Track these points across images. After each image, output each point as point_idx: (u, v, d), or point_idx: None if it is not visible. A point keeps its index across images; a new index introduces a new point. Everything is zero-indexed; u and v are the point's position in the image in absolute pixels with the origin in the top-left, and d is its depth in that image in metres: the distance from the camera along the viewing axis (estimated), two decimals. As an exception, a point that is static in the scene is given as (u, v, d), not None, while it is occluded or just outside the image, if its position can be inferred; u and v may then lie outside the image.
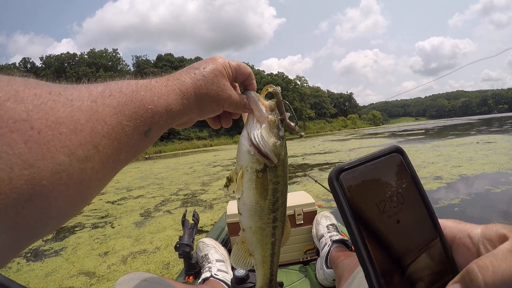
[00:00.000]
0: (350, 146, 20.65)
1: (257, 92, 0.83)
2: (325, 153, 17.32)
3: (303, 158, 15.21)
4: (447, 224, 0.47)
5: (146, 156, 37.84)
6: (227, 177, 0.80)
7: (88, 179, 0.46)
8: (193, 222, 2.04)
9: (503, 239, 0.39)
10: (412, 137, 24.69)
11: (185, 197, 8.50)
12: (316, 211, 2.32)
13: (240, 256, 0.84)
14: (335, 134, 59.95)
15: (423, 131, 34.63)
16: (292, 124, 0.82)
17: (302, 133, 0.87)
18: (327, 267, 1.87)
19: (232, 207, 2.24)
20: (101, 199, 9.50)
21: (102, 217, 7.08)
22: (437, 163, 9.49)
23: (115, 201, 9.02)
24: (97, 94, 0.50)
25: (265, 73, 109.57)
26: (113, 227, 6.16)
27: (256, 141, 0.74)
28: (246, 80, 0.83)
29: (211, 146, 60.45)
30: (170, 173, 15.72)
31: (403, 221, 0.44)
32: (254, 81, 0.85)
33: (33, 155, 0.38)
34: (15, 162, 0.36)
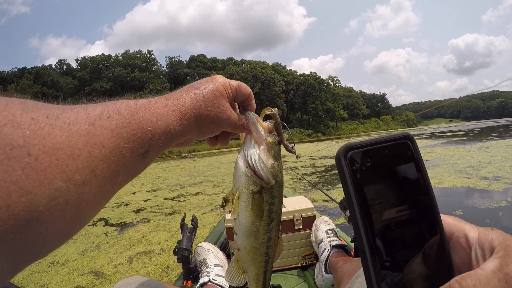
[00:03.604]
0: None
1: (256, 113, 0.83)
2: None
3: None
4: (447, 221, 0.46)
5: (182, 155, 39.05)
6: (224, 198, 0.81)
7: (85, 203, 0.46)
8: (192, 226, 2.04)
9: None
10: (454, 139, 24.55)
11: (249, 193, 8.59)
12: (315, 216, 2.33)
13: (234, 274, 0.87)
14: (369, 135, 59.06)
15: (463, 132, 34.39)
16: (290, 145, 0.82)
17: (299, 155, 0.86)
18: (326, 272, 1.88)
19: None
20: (156, 195, 9.73)
21: (170, 214, 7.22)
22: (494, 163, 9.50)
23: (174, 198, 9.16)
24: (95, 117, 0.50)
25: (298, 73, 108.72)
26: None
27: (253, 163, 0.75)
28: (246, 100, 0.82)
29: (245, 144, 60.70)
30: (217, 171, 15.86)
31: (405, 212, 0.43)
32: (254, 102, 0.84)
33: (31, 182, 0.38)
34: (13, 189, 0.37)
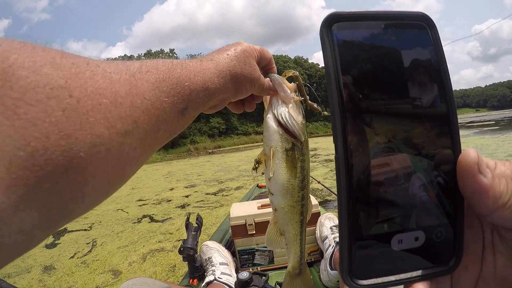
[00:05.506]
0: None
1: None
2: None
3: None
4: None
5: (210, 151, 39.12)
6: (255, 160, 0.80)
7: (126, 155, 0.44)
8: (196, 225, 2.06)
9: None
10: (485, 128, 24.07)
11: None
12: (319, 212, 2.34)
13: (273, 236, 0.87)
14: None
15: (493, 122, 33.87)
16: (315, 104, 0.85)
17: (325, 112, 0.83)
18: (331, 268, 1.88)
19: (235, 210, 2.22)
20: (196, 191, 9.48)
21: (216, 207, 7.06)
22: (535, 152, 9.50)
23: (216, 193, 8.92)
24: (134, 70, 0.48)
25: (320, 66, 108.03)
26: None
27: (285, 121, 0.76)
28: (268, 64, 0.85)
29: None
30: (250, 165, 15.43)
31: (410, 121, 0.32)
32: (275, 66, 0.87)
33: (71, 125, 0.35)
34: (52, 130, 0.33)
